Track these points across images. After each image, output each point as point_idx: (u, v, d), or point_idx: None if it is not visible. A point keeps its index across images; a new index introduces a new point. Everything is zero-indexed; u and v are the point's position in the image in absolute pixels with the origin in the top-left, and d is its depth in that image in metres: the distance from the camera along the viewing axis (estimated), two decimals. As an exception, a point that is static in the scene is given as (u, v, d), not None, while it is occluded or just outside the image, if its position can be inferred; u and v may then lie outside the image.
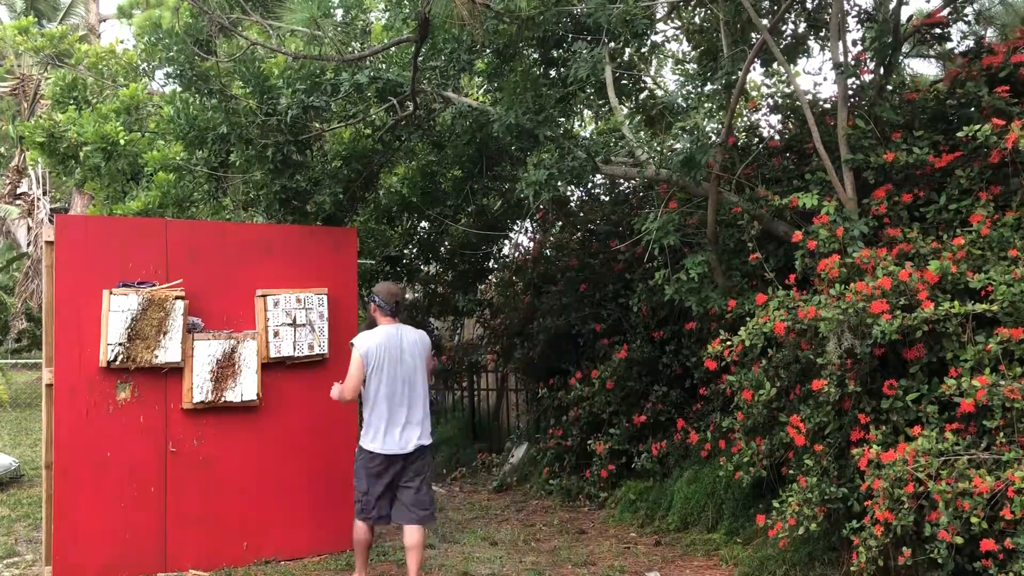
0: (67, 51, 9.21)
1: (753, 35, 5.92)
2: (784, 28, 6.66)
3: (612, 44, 5.66)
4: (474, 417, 10.10)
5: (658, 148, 5.75)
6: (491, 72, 6.44)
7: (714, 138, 5.77)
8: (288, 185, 6.63)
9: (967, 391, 3.95)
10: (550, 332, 8.08)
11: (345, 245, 6.08)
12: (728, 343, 4.77)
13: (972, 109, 5.12)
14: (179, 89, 6.33)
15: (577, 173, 5.57)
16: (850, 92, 5.43)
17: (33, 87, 15.74)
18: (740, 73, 5.25)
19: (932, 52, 7.27)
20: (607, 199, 8.43)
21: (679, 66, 8.40)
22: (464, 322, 10.22)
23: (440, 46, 6.04)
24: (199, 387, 5.40)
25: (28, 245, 18.75)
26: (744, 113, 7.27)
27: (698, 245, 5.52)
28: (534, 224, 9.18)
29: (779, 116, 6.77)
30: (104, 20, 19.24)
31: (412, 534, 4.93)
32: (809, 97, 6.09)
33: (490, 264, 9.46)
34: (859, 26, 6.29)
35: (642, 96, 7.27)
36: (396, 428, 4.90)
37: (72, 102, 7.62)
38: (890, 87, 5.74)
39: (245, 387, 5.53)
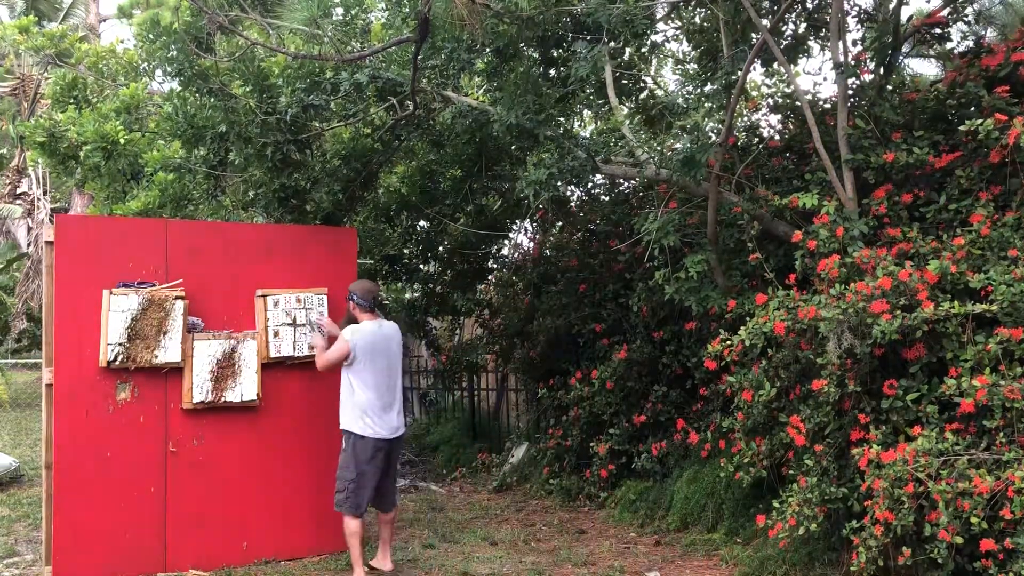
0: (67, 50, 9.20)
1: (753, 35, 5.92)
2: (784, 28, 6.66)
3: (612, 44, 5.66)
4: (474, 417, 10.10)
5: (658, 148, 5.75)
6: (491, 72, 6.44)
7: (714, 138, 5.77)
8: (287, 184, 6.63)
9: (967, 391, 3.95)
10: (550, 332, 8.08)
11: (345, 245, 6.07)
12: (728, 343, 4.77)
13: (972, 109, 5.12)
14: (178, 87, 6.33)
15: (577, 173, 5.56)
16: (850, 92, 5.43)
17: (33, 87, 15.74)
18: (740, 73, 5.25)
19: (932, 52, 7.27)
20: (607, 199, 8.42)
21: (679, 66, 8.40)
22: (463, 322, 10.22)
23: (440, 45, 6.04)
24: (199, 387, 5.40)
25: (28, 245, 18.76)
26: (744, 113, 7.27)
27: (698, 245, 5.52)
28: (534, 224, 9.17)
29: (779, 116, 6.77)
30: (104, 20, 19.24)
31: (389, 511, 5.47)
32: (809, 97, 6.09)
33: (489, 264, 9.46)
34: (859, 26, 6.30)
35: (642, 96, 7.27)
36: (386, 414, 5.28)
37: (72, 101, 7.61)
38: (890, 87, 5.74)
39: (245, 387, 5.53)
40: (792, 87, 6.17)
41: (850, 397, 4.56)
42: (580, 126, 9.23)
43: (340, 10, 6.00)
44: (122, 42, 8.89)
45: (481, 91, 7.59)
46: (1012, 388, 3.82)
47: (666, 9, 6.75)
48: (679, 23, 7.31)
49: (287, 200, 6.80)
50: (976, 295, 4.23)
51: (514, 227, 9.17)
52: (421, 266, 9.09)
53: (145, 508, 5.29)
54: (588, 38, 5.46)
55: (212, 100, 6.19)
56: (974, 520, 3.72)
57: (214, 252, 5.58)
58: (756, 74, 7.41)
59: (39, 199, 17.39)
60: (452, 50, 6.00)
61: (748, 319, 4.74)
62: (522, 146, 6.55)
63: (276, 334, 5.64)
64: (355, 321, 5.39)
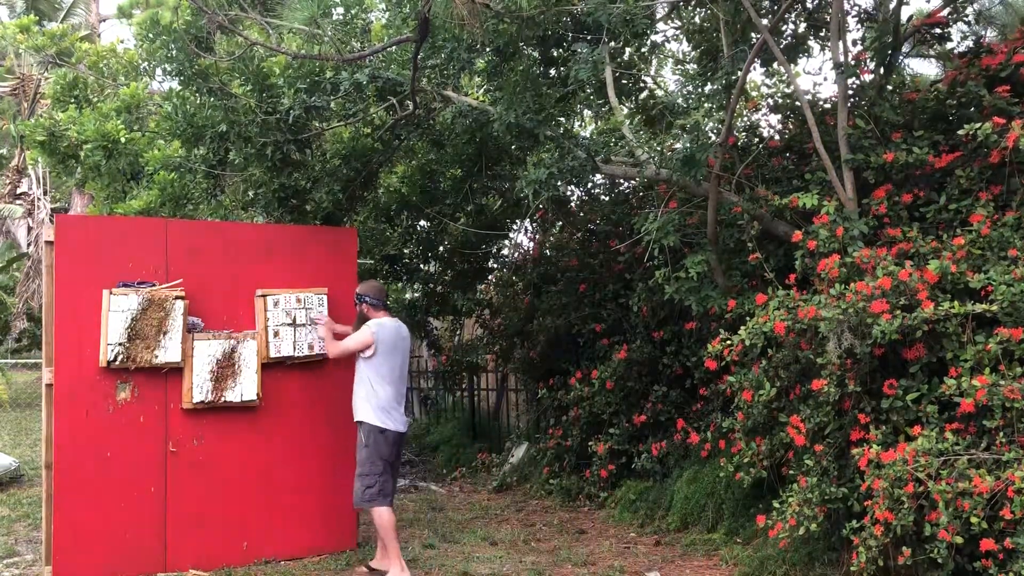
0: (68, 50, 9.20)
1: (753, 35, 5.92)
2: (784, 28, 6.66)
3: (612, 44, 5.66)
4: (474, 417, 10.10)
5: (658, 148, 5.75)
6: (491, 71, 6.44)
7: (714, 138, 5.77)
8: (287, 184, 6.62)
9: (967, 391, 3.95)
10: (550, 332, 8.08)
11: (345, 245, 6.07)
12: (728, 343, 4.77)
13: (972, 109, 5.12)
14: (178, 87, 6.33)
15: (577, 173, 5.57)
16: (850, 92, 5.43)
17: (33, 87, 15.74)
18: (740, 73, 5.25)
19: (932, 52, 7.27)
20: (607, 199, 8.43)
21: (679, 66, 8.40)
22: (463, 322, 10.21)
23: (440, 45, 6.04)
24: (199, 387, 5.40)
25: (28, 245, 18.76)
26: (744, 113, 7.27)
27: (698, 245, 5.52)
28: (534, 224, 9.17)
29: (779, 116, 6.77)
30: (104, 20, 19.25)
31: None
32: (809, 97, 6.09)
33: (490, 264, 9.46)
34: (859, 26, 6.30)
35: (642, 96, 7.27)
36: (400, 409, 5.45)
37: (72, 101, 7.61)
38: (890, 87, 5.74)
39: (245, 387, 5.52)
40: (792, 87, 6.17)
41: (850, 397, 4.56)
42: (580, 126, 9.23)
43: (340, 10, 6.01)
44: (122, 42, 8.89)
45: (481, 91, 7.59)
46: (1012, 388, 3.82)
47: (666, 9, 6.75)
48: (679, 23, 7.31)
49: (287, 200, 6.80)
50: (976, 295, 4.23)
51: (514, 227, 9.17)
52: (421, 266, 9.09)
53: (145, 508, 5.29)
54: (588, 38, 5.46)
55: (212, 100, 6.19)
56: (974, 520, 3.72)
57: (214, 252, 5.58)
58: (756, 74, 7.42)
59: (39, 199, 17.39)
60: (452, 50, 6.00)
61: (748, 319, 4.74)
62: (522, 146, 6.55)
63: (276, 334, 5.64)
64: (367, 321, 5.51)
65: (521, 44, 6.17)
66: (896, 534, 3.98)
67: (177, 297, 5.34)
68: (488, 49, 6.16)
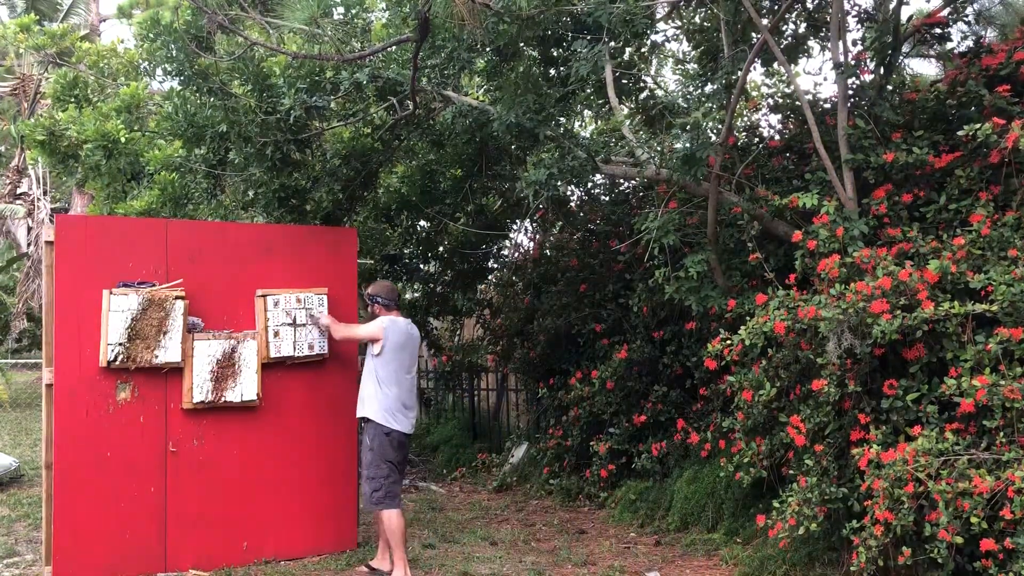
0: (68, 49, 9.21)
1: (753, 35, 5.92)
2: (784, 28, 6.66)
3: (612, 43, 5.66)
4: (474, 417, 10.10)
5: (658, 148, 5.75)
6: (491, 71, 6.44)
7: (714, 138, 5.77)
8: (287, 184, 6.62)
9: (967, 391, 3.95)
10: (550, 332, 8.08)
11: (345, 245, 6.07)
12: (728, 343, 4.77)
13: (972, 109, 5.12)
14: (178, 87, 6.33)
15: (577, 173, 5.56)
16: (850, 92, 5.43)
17: (33, 87, 15.73)
18: (740, 73, 5.25)
19: (932, 52, 7.26)
20: (607, 199, 8.43)
21: (679, 66, 8.40)
22: (464, 322, 10.21)
23: (440, 44, 6.04)
24: (199, 387, 5.40)
25: (28, 245, 18.74)
26: (744, 113, 7.28)
27: (698, 245, 5.52)
28: (534, 224, 9.17)
29: (779, 116, 6.78)
30: (104, 20, 19.23)
31: None
32: (809, 97, 6.09)
33: (490, 264, 9.46)
34: (859, 26, 6.29)
35: (642, 96, 7.27)
36: (407, 410, 5.42)
37: (73, 100, 7.61)
38: (890, 87, 5.74)
39: (245, 387, 5.52)
40: (792, 87, 6.16)
41: (850, 397, 4.56)
42: (580, 126, 9.23)
43: (340, 10, 6.00)
44: (122, 42, 8.90)
45: (481, 91, 7.59)
46: (1012, 388, 3.82)
47: (666, 9, 6.74)
48: (679, 23, 7.31)
49: (287, 200, 6.79)
50: (976, 295, 4.23)
51: (514, 227, 9.18)
52: (421, 266, 9.09)
53: (145, 508, 5.29)
54: (588, 37, 5.46)
55: (212, 99, 6.19)
56: (974, 520, 3.72)
57: (214, 252, 5.58)
58: (756, 74, 7.42)
59: (39, 199, 17.37)
60: (452, 49, 6.00)
61: (748, 319, 4.74)
62: (522, 146, 6.55)
63: (276, 334, 5.64)
64: None
65: (521, 44, 6.16)
66: (896, 534, 3.98)
67: (177, 297, 5.34)
68: (488, 49, 6.16)
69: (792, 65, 6.57)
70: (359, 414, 5.44)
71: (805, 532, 4.49)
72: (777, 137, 6.59)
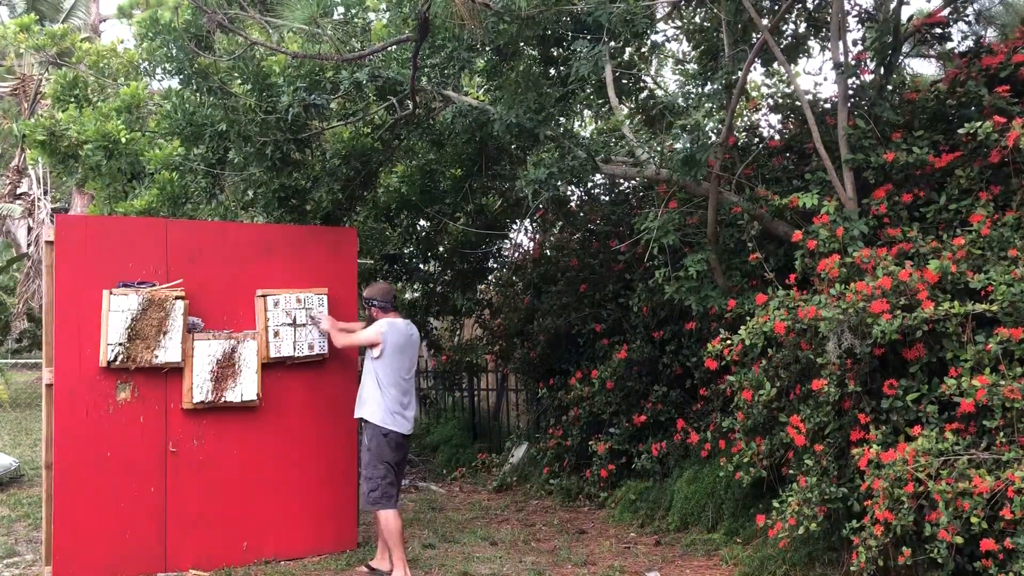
0: (68, 49, 9.20)
1: (754, 35, 5.92)
2: (784, 28, 6.66)
3: (612, 43, 5.65)
4: (474, 417, 10.10)
5: (658, 148, 5.75)
6: (491, 71, 6.43)
7: (714, 138, 5.77)
8: (287, 183, 6.62)
9: (967, 391, 3.95)
10: (550, 332, 8.08)
11: (345, 245, 6.07)
12: (728, 343, 4.77)
13: (972, 109, 5.12)
14: (177, 86, 6.33)
15: (577, 172, 5.56)
16: (850, 92, 5.43)
17: (34, 87, 15.73)
18: (740, 73, 5.25)
19: (932, 52, 7.26)
20: (607, 199, 8.43)
21: (679, 66, 8.40)
22: (463, 322, 10.21)
23: (440, 44, 6.04)
24: (199, 387, 5.40)
25: (28, 245, 18.74)
26: (744, 113, 7.27)
27: (698, 245, 5.52)
28: (534, 224, 9.17)
29: (779, 116, 6.78)
30: (104, 20, 19.24)
31: None
32: (809, 97, 6.09)
33: (490, 264, 9.45)
34: (859, 26, 6.29)
35: (642, 96, 7.27)
36: (406, 410, 5.41)
37: (73, 100, 7.61)
38: (890, 87, 5.74)
39: (245, 387, 5.52)
40: (792, 87, 6.16)
41: (850, 397, 4.56)
42: (580, 126, 9.23)
43: (340, 9, 6.00)
44: (122, 42, 8.90)
45: (481, 90, 7.59)
46: (1012, 388, 3.82)
47: (666, 9, 6.74)
48: (679, 23, 7.31)
49: (287, 199, 6.79)
50: (976, 295, 4.23)
51: (514, 227, 9.17)
52: (421, 266, 9.09)
53: (145, 508, 5.29)
54: (588, 37, 5.46)
55: (212, 98, 6.18)
56: (974, 520, 3.72)
57: (214, 252, 5.58)
58: (756, 74, 7.42)
59: (39, 199, 17.36)
60: (452, 49, 6.00)
61: (748, 319, 4.74)
62: (522, 145, 6.54)
63: (276, 334, 5.64)
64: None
65: (521, 43, 6.16)
66: (896, 534, 3.98)
67: (177, 297, 5.34)
68: (488, 48, 6.16)
69: (792, 65, 6.57)
70: (357, 415, 5.45)
71: (805, 532, 4.49)
72: (777, 137, 6.59)
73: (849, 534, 4.26)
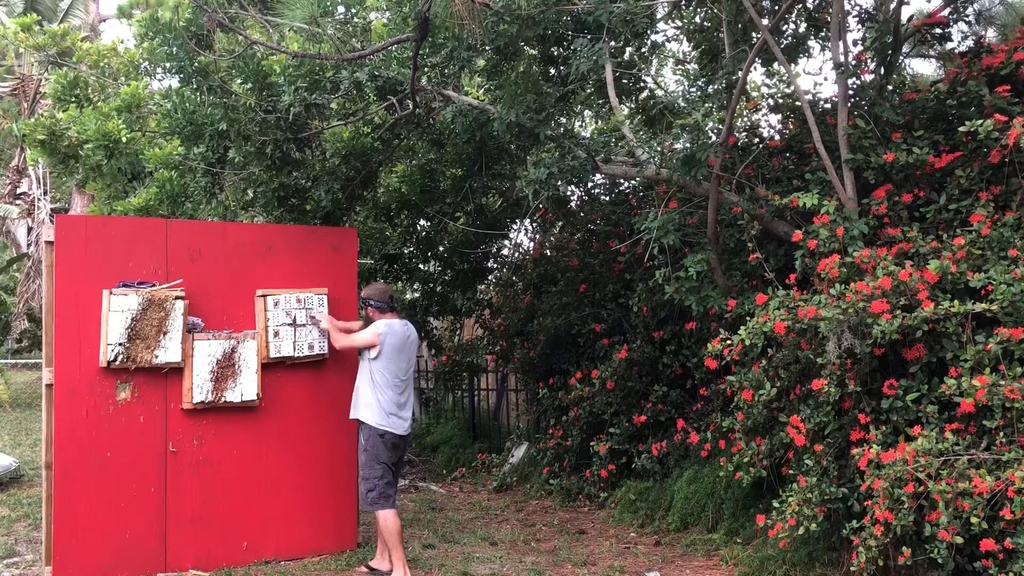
0: (68, 49, 9.20)
1: (754, 35, 5.92)
2: (785, 28, 6.65)
3: (612, 43, 5.66)
4: (474, 417, 10.10)
5: (658, 148, 5.75)
6: (491, 70, 6.43)
7: (714, 138, 5.77)
8: (287, 183, 6.62)
9: (967, 391, 3.95)
10: (550, 332, 8.08)
11: (345, 245, 6.07)
12: (728, 343, 4.77)
13: (972, 109, 5.12)
14: (177, 85, 6.33)
15: (577, 172, 5.56)
16: (850, 92, 5.43)
17: (34, 87, 15.74)
18: (741, 73, 5.25)
19: (932, 52, 7.26)
20: (607, 199, 8.43)
21: (679, 66, 8.40)
22: (463, 322, 10.21)
23: (440, 44, 6.04)
24: (199, 387, 5.40)
25: (28, 245, 18.76)
26: (744, 113, 7.27)
27: (698, 245, 5.52)
28: (534, 224, 9.17)
29: (779, 116, 6.77)
30: (104, 20, 19.24)
31: None
32: (809, 97, 6.09)
33: (490, 263, 9.45)
34: (859, 26, 6.29)
35: (642, 96, 7.27)
36: (402, 411, 5.38)
37: (73, 100, 7.61)
38: (890, 87, 5.74)
39: (245, 387, 5.52)
40: (792, 87, 6.16)
41: (850, 397, 4.56)
42: (580, 126, 9.23)
43: (341, 8, 6.00)
44: (122, 42, 8.89)
45: (481, 90, 7.59)
46: (1012, 388, 3.82)
47: (666, 9, 6.74)
48: (679, 23, 7.31)
49: (287, 199, 6.79)
50: (976, 295, 4.23)
51: (514, 227, 9.18)
52: (421, 266, 9.09)
53: (145, 508, 5.29)
54: (588, 37, 5.46)
55: (212, 98, 6.19)
56: (974, 520, 3.72)
57: (214, 252, 5.58)
58: (756, 74, 7.42)
59: (39, 199, 17.37)
60: (452, 49, 6.00)
61: (748, 319, 4.74)
62: (522, 145, 6.55)
63: (276, 334, 5.64)
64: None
65: (521, 43, 6.16)
66: (896, 534, 3.98)
67: (177, 297, 5.34)
68: (488, 48, 6.16)
69: (792, 65, 6.56)
70: (353, 415, 5.43)
71: (805, 532, 4.49)
72: (777, 137, 6.58)
73: (849, 534, 4.26)
